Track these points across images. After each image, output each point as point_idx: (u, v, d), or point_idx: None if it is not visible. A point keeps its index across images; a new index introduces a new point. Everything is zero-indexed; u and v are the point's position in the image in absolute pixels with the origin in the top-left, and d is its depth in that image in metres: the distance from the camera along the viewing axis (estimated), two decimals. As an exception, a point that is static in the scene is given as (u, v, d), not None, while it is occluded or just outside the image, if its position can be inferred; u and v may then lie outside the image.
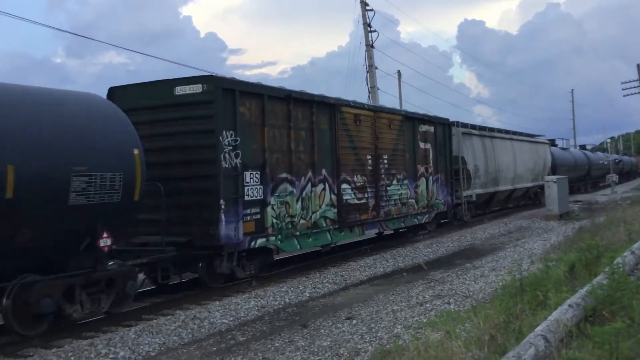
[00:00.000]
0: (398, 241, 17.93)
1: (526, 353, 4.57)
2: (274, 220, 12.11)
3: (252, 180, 11.57)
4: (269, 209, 11.95)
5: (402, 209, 16.89)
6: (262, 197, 11.82)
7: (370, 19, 29.47)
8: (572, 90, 75.11)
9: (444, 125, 20.62)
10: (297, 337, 8.26)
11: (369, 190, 15.19)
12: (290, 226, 12.59)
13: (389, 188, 16.14)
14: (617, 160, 55.89)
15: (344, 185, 14.25)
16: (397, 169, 16.65)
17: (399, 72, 40.89)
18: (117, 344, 8.17)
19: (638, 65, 42.18)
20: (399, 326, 8.04)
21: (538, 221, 22.76)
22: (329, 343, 7.69)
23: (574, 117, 73.50)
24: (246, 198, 11.39)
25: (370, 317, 8.94)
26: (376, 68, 29.88)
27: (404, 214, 17.06)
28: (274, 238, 12.14)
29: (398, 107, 32.67)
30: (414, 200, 17.71)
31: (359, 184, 14.81)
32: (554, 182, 23.39)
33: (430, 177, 18.84)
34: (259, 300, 10.73)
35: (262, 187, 11.82)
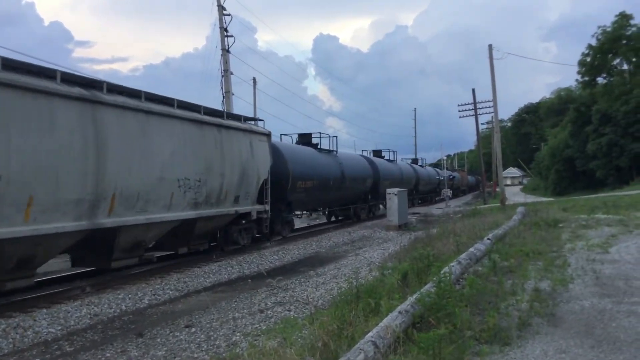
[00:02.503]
0: (244, 248, 17.89)
1: (356, 359, 4.71)
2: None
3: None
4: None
5: None
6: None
7: (227, 24, 29.23)
8: (415, 109, 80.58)
9: None
10: (130, 346, 7.88)
11: None
12: None
13: None
14: (451, 177, 60.51)
15: None
16: None
17: (254, 79, 41.01)
18: None
19: (473, 89, 45.86)
20: (238, 334, 7.96)
21: (379, 231, 23.88)
22: (164, 353, 7.41)
23: (416, 134, 78.64)
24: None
25: (210, 324, 8.77)
26: (232, 73, 29.65)
27: None
28: None
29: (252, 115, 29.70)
30: None
31: None
32: (395, 194, 24.68)
33: None
34: (92, 308, 10.13)
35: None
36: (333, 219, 29.68)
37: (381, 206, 36.11)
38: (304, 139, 25.93)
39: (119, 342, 8.14)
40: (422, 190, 46.84)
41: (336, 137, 27.02)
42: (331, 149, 26.63)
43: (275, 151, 19.58)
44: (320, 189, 23.08)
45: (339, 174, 25.30)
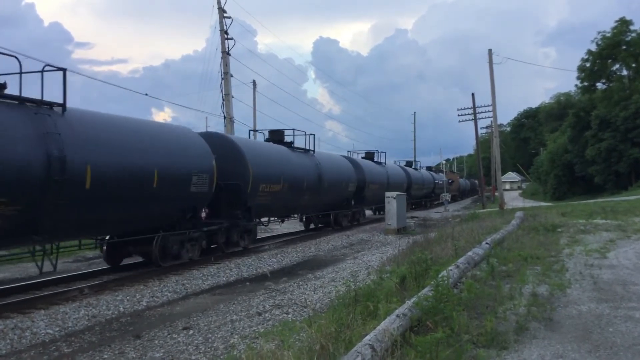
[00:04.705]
0: (243, 250, 17.88)
1: (353, 362, 4.70)
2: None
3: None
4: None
5: None
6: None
7: (228, 27, 29.37)
8: (415, 113, 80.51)
9: None
10: (128, 348, 7.88)
11: None
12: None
13: None
14: (450, 181, 60.50)
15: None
16: None
17: (254, 81, 41.10)
18: None
19: (472, 94, 45.86)
20: (236, 336, 7.96)
21: (378, 235, 23.86)
22: (162, 355, 7.41)
23: (415, 138, 78.71)
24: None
25: (207, 327, 8.77)
26: (231, 76, 29.75)
27: None
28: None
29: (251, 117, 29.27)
30: None
31: None
32: (394, 198, 24.58)
33: None
34: (90, 310, 10.12)
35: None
36: (312, 226, 26.54)
37: (370, 212, 35.54)
38: (276, 135, 22.61)
39: (117, 344, 8.14)
40: (415, 195, 44.39)
41: (314, 135, 23.85)
42: (308, 148, 23.54)
43: (233, 148, 17.34)
44: (290, 193, 20.31)
45: (315, 177, 22.63)
